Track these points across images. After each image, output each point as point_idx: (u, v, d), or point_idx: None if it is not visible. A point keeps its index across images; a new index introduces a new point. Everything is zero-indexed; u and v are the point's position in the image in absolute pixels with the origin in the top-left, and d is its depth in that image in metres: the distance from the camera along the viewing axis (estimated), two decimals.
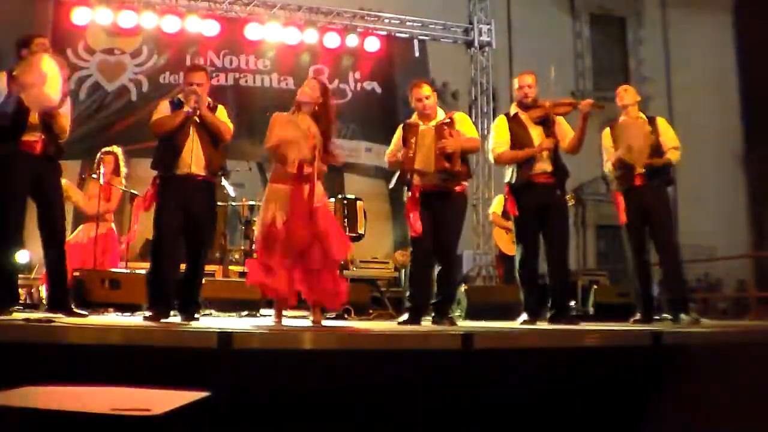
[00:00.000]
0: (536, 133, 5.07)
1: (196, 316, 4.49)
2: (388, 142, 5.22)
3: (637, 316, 5.32)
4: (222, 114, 4.70)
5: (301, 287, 4.30)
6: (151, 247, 4.71)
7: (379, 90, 10.62)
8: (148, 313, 4.35)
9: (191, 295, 4.56)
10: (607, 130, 5.48)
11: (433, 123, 4.83)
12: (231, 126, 4.71)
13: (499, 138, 5.19)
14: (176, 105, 4.60)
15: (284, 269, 4.23)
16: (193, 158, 4.47)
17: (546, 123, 5.09)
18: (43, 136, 4.40)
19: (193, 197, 4.50)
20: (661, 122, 5.52)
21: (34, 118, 4.36)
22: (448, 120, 4.82)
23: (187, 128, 4.49)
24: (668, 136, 5.42)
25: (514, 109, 5.22)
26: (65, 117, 4.48)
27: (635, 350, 3.79)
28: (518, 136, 5.10)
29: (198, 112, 4.48)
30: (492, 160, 5.39)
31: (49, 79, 4.23)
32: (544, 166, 5.05)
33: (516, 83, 5.27)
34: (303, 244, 4.19)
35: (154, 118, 4.61)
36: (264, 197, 4.48)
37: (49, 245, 4.48)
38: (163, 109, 4.63)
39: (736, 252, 12.07)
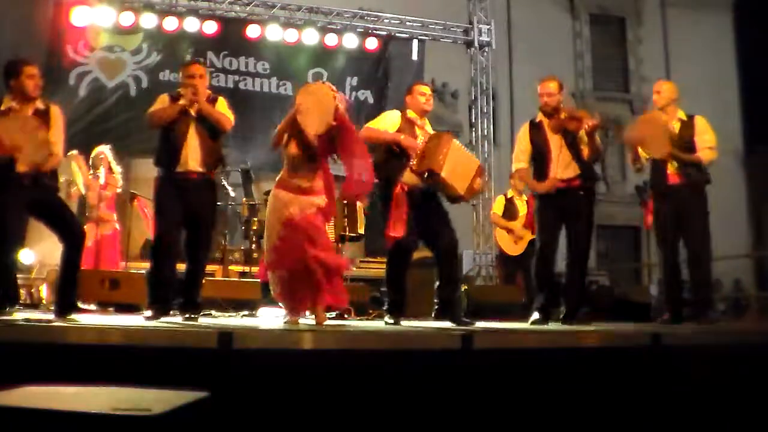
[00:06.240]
0: (555, 142, 5.01)
1: (194, 316, 4.40)
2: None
3: (666, 316, 5.25)
4: (222, 106, 4.62)
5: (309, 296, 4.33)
6: (152, 246, 4.68)
7: (371, 100, 10.51)
8: (148, 313, 4.32)
9: (191, 296, 4.51)
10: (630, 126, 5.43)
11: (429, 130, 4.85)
12: (232, 116, 4.63)
13: (518, 149, 5.18)
14: (175, 100, 4.53)
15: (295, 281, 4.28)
16: (191, 154, 4.42)
17: (566, 131, 4.99)
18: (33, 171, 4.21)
19: (193, 196, 4.45)
20: (700, 121, 5.29)
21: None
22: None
23: (185, 124, 4.44)
24: (704, 137, 5.23)
25: (539, 117, 5.16)
26: (59, 158, 4.38)
27: (635, 350, 3.79)
28: (537, 145, 5.07)
29: (195, 105, 4.42)
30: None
31: (40, 139, 4.11)
32: (567, 172, 4.97)
33: (538, 90, 5.17)
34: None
35: (151, 110, 4.56)
36: (267, 208, 4.50)
37: (66, 248, 4.34)
38: (162, 102, 4.58)
39: (736, 252, 12.04)
